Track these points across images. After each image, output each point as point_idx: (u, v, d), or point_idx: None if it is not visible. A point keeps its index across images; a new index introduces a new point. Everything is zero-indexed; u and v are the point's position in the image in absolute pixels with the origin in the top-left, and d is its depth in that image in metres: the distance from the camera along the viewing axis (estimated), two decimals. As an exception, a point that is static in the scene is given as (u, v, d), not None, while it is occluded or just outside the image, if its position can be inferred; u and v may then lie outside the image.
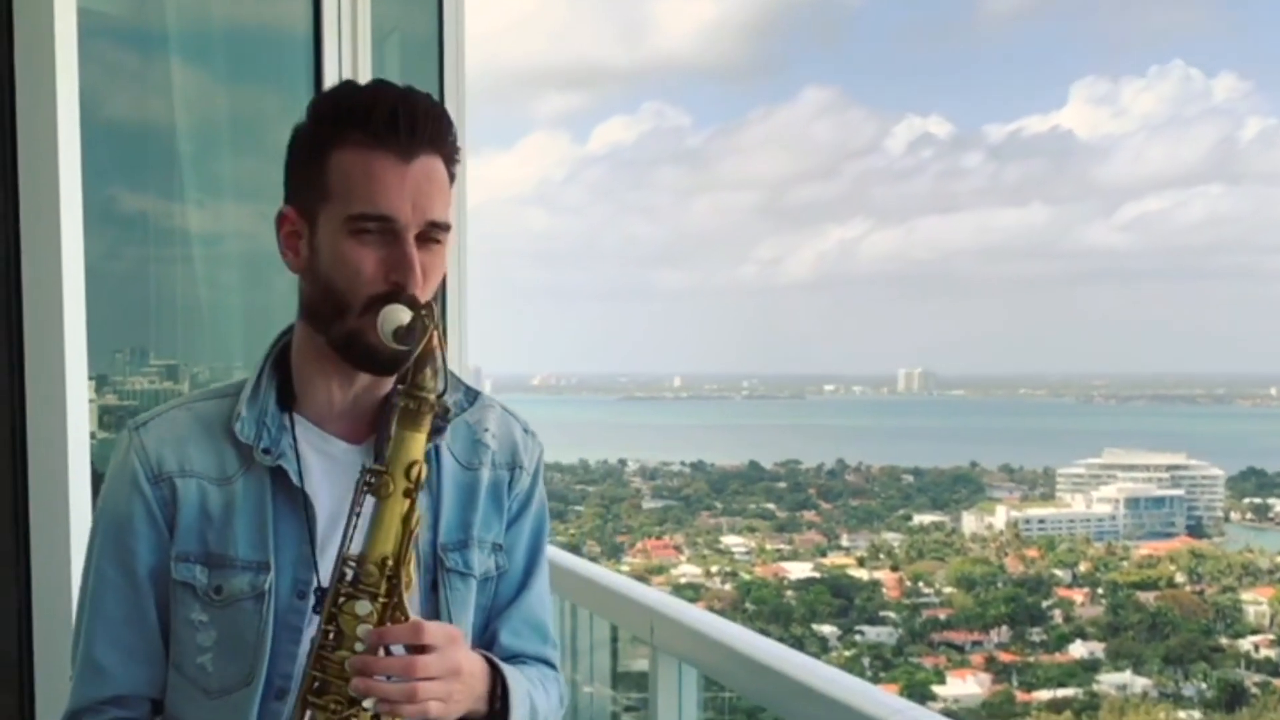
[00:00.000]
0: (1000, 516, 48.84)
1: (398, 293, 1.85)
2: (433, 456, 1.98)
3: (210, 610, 1.92)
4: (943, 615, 41.80)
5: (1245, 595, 41.57)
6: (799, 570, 44.21)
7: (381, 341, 1.84)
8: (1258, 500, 51.28)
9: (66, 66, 3.00)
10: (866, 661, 37.96)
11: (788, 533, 49.44)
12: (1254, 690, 36.79)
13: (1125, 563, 44.40)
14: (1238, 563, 43.58)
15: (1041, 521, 48.96)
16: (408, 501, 1.75)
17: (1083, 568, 44.42)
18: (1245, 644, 39.36)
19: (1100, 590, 42.66)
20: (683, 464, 56.24)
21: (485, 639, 2.05)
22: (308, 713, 1.78)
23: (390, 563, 1.74)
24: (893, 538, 48.39)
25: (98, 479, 3.20)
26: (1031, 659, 39.24)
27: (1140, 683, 37.46)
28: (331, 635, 1.77)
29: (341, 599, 1.76)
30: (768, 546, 47.48)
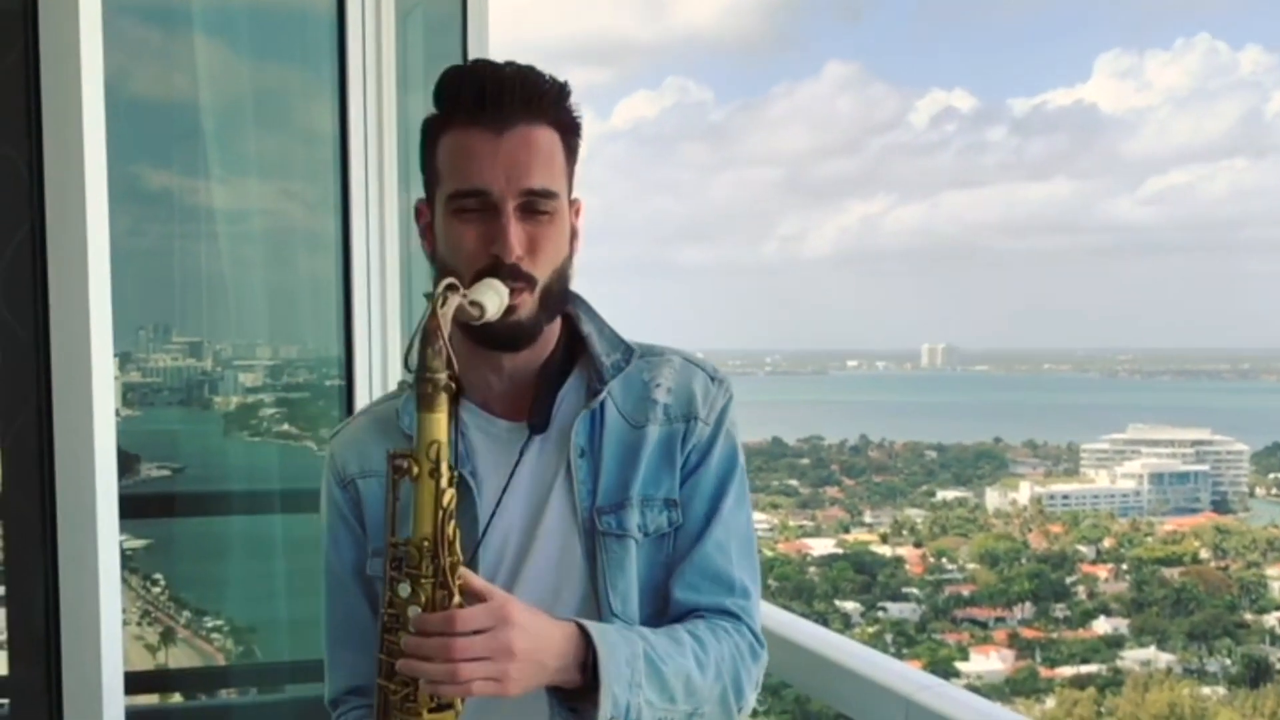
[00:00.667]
0: (1024, 492, 48.83)
1: (497, 265, 1.87)
2: (597, 417, 2.01)
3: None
4: (966, 591, 41.83)
5: (1270, 571, 41.52)
6: (822, 547, 44.27)
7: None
8: (1283, 475, 51.12)
9: (91, 43, 3.00)
10: (889, 638, 37.99)
11: (810, 509, 49.50)
12: (1278, 666, 36.74)
13: (1149, 538, 44.36)
14: (1262, 538, 43.51)
15: (1065, 497, 48.94)
16: (434, 482, 1.74)
17: (1107, 544, 44.39)
18: (1270, 620, 39.33)
19: (1124, 566, 42.63)
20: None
21: (660, 598, 2.01)
22: (382, 695, 1.81)
23: (428, 544, 1.74)
24: (916, 514, 48.39)
25: (123, 457, 3.21)
26: (1055, 635, 39.27)
27: (1164, 659, 37.46)
28: (394, 618, 1.78)
29: (393, 583, 1.77)
30: (790, 523, 47.53)
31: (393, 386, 3.69)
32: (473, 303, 1.78)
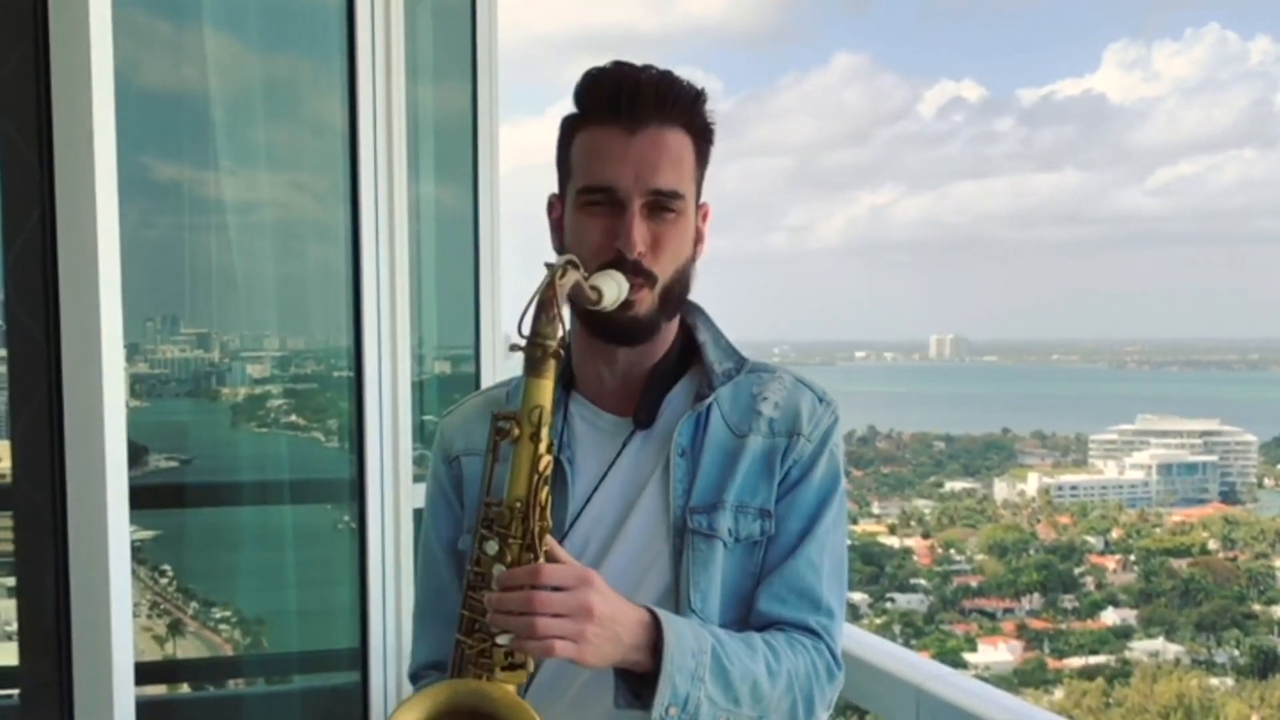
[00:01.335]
0: (1032, 483, 48.83)
1: (620, 260, 1.92)
2: (701, 420, 2.06)
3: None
4: (974, 582, 41.85)
5: (1278, 561, 41.45)
6: (830, 537, 44.20)
7: (608, 311, 1.90)
8: (1291, 466, 51.04)
9: (101, 35, 3.00)
10: (897, 629, 38.00)
11: (819, 500, 49.39)
12: (1287, 657, 36.70)
13: (1158, 529, 44.34)
14: (1271, 529, 43.48)
15: (1074, 488, 48.94)
16: (533, 445, 1.79)
17: (1115, 534, 44.38)
18: (1278, 610, 39.27)
19: (1132, 557, 42.63)
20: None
21: (744, 606, 2.03)
22: (459, 651, 1.84)
23: (520, 505, 1.78)
24: (924, 504, 48.42)
25: (131, 448, 3.22)
26: (1063, 626, 39.28)
27: (1173, 649, 37.46)
28: (479, 576, 1.82)
29: (481, 540, 1.82)
30: (798, 513, 47.45)
31: (402, 378, 3.69)
32: (592, 286, 1.85)
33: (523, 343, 1.82)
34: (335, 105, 3.82)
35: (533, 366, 1.79)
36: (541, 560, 1.78)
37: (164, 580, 4.54)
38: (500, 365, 3.99)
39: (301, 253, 4.34)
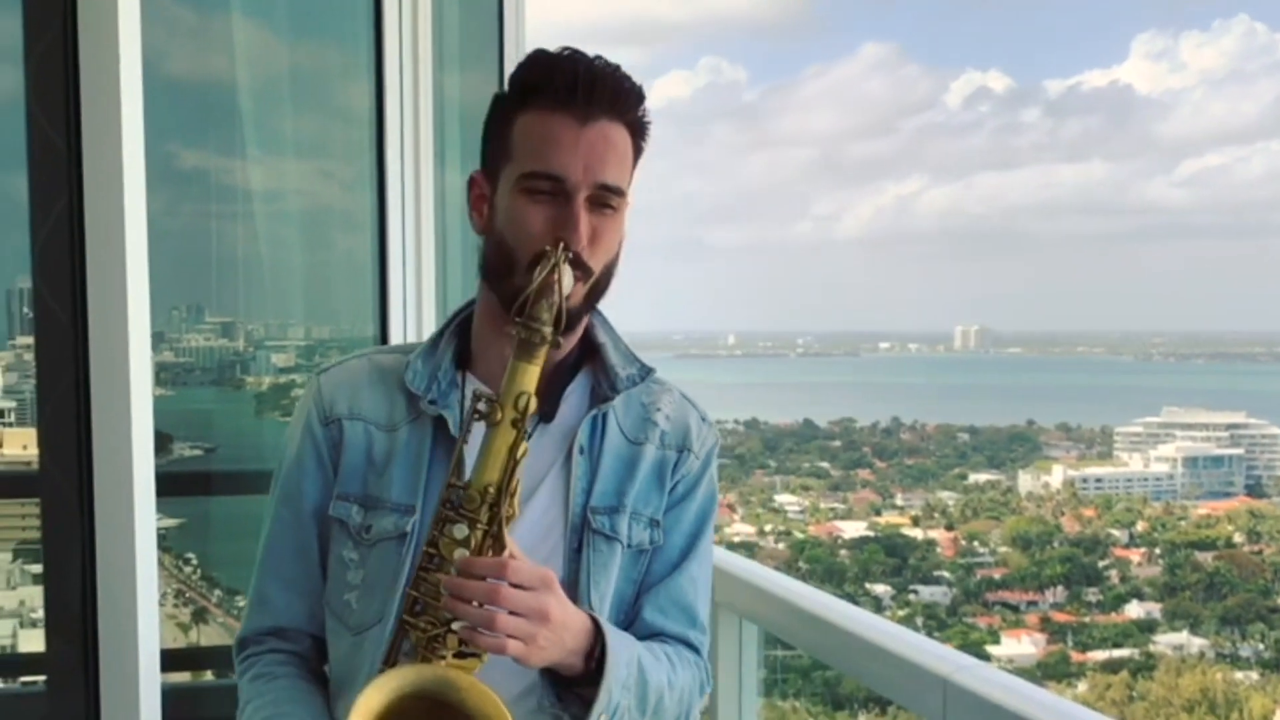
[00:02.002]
0: (1057, 475, 48.63)
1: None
2: (599, 423, 2.06)
3: (360, 549, 2.00)
4: (998, 575, 41.71)
5: (1304, 555, 41.26)
6: (853, 529, 44.18)
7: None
8: (1318, 460, 50.80)
9: (129, 23, 3.00)
10: (920, 621, 37.89)
11: (842, 491, 49.38)
12: (1312, 651, 36.56)
13: (1183, 522, 44.13)
14: (1297, 523, 43.23)
15: (1099, 481, 48.73)
16: (515, 432, 1.78)
17: (1140, 527, 44.20)
18: (1304, 605, 39.09)
19: (1157, 550, 42.43)
20: (736, 422, 56.11)
21: (630, 614, 2.06)
22: (404, 633, 1.82)
23: (492, 491, 1.77)
24: (948, 496, 48.25)
25: (156, 437, 3.22)
26: (1087, 619, 39.13)
27: (1197, 643, 37.30)
28: (432, 558, 1.80)
29: (443, 522, 1.79)
30: (821, 505, 47.45)
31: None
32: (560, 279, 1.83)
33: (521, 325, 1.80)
34: (362, 94, 3.82)
35: (524, 350, 1.78)
36: (509, 550, 1.77)
37: (189, 568, 4.55)
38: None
39: (327, 241, 4.34)
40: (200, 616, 4.54)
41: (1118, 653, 36.62)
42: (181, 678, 4.24)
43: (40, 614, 3.35)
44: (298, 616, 2.08)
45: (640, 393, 2.12)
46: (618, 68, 1.98)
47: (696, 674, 2.08)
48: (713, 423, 2.19)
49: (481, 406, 1.79)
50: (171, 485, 3.86)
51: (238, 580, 4.59)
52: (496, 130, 2.00)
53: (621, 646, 1.89)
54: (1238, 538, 42.69)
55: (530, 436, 1.98)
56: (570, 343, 2.06)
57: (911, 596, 40.60)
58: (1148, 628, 38.41)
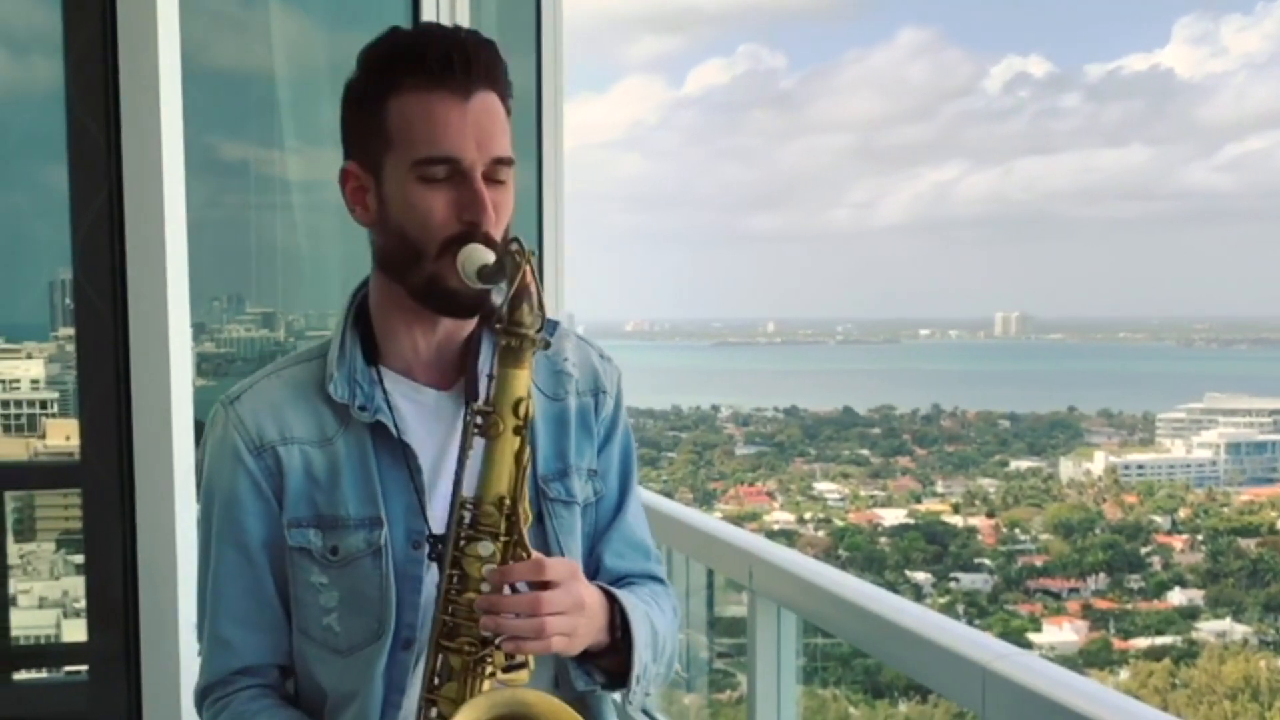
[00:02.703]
0: (1098, 462, 48.35)
1: (472, 232, 1.86)
2: None
3: (330, 571, 1.94)
4: (1039, 562, 41.52)
5: (1349, 542, 40.95)
6: (893, 517, 44.04)
7: (463, 284, 1.85)
8: (1362, 446, 50.37)
9: (168, 15, 3.02)
10: (961, 609, 37.77)
11: (882, 479, 49.21)
12: (1357, 638, 36.31)
13: (1226, 509, 43.83)
14: (1341, 509, 42.93)
15: (1141, 467, 48.44)
16: (518, 439, 1.77)
17: (1182, 514, 43.91)
18: (1348, 591, 38.82)
19: (1200, 537, 42.17)
20: (776, 410, 55.98)
21: (590, 565, 2.05)
22: (440, 657, 1.80)
23: (508, 501, 1.76)
24: (988, 484, 48.04)
25: (197, 427, 3.23)
26: (1129, 606, 38.93)
27: (1240, 630, 37.08)
28: (456, 579, 1.79)
29: (463, 542, 1.78)
30: (861, 493, 47.30)
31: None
32: (485, 265, 1.82)
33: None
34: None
35: (511, 356, 1.76)
36: (534, 557, 1.76)
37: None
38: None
39: (365, 232, 4.35)
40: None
41: (1160, 640, 36.42)
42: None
43: (82, 604, 3.37)
44: (261, 652, 2.02)
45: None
46: (478, 34, 1.95)
47: (669, 602, 2.09)
48: (609, 357, 2.15)
49: (479, 420, 1.78)
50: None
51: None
52: (363, 117, 1.92)
53: (637, 608, 1.91)
54: (1281, 524, 42.39)
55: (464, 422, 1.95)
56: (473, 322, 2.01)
57: (952, 584, 40.46)
58: (1190, 615, 38.19)
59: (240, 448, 1.98)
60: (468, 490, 1.80)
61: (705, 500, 45.33)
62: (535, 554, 1.77)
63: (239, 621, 2.01)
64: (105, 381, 3.10)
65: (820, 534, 42.79)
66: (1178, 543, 42.33)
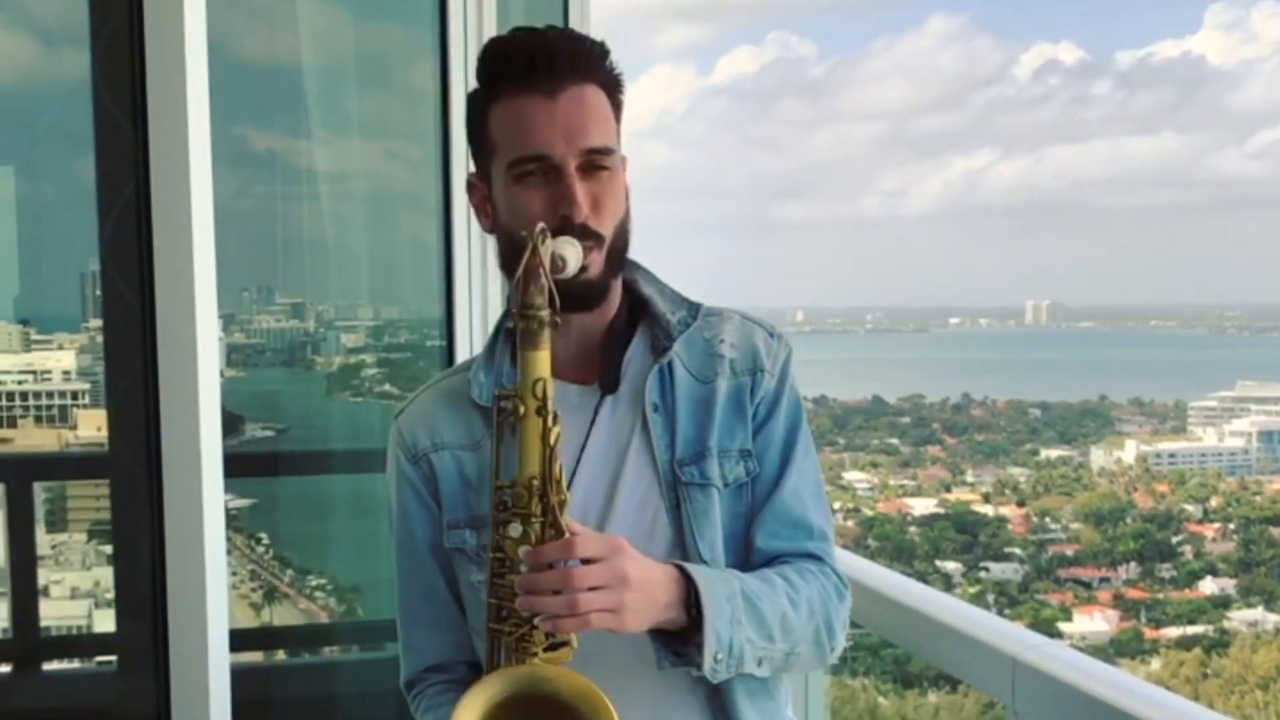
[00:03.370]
0: (1130, 451, 48.19)
1: (567, 227, 1.89)
2: (666, 375, 2.05)
3: (485, 570, 1.96)
4: (1070, 551, 41.42)
5: (1382, 531, 40.76)
6: (923, 506, 43.96)
7: (566, 279, 1.87)
8: (1396, 434, 50.09)
9: (195, 6, 3.02)
10: (991, 599, 37.71)
11: (911, 468, 49.14)
12: (1390, 627, 36.14)
13: (1258, 497, 43.66)
14: (1374, 498, 42.72)
15: (1172, 456, 48.26)
16: (541, 420, 1.78)
17: (1214, 503, 43.74)
18: (1382, 580, 38.64)
19: (1232, 526, 42.01)
20: (805, 399, 55.58)
21: (744, 545, 2.05)
22: (494, 641, 1.83)
23: (537, 482, 1.78)
24: (1019, 473, 47.92)
25: (227, 418, 3.24)
26: (1161, 595, 38.81)
27: (1272, 619, 36.93)
28: (501, 563, 1.82)
29: (502, 525, 1.81)
30: (891, 482, 47.23)
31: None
32: (558, 255, 1.83)
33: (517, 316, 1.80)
34: (428, 75, 3.82)
35: (528, 339, 1.78)
36: (567, 535, 1.77)
37: (260, 548, 4.59)
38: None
39: (394, 222, 4.36)
40: (272, 596, 4.57)
41: (1192, 629, 36.30)
42: (254, 657, 4.28)
43: (111, 594, 3.39)
44: (445, 650, 2.12)
45: (700, 330, 2.10)
46: (571, 31, 1.99)
47: (824, 582, 2.05)
48: (781, 334, 2.18)
49: (504, 405, 1.81)
50: (243, 466, 3.89)
51: (310, 560, 4.63)
52: (476, 130, 2.01)
53: (717, 583, 1.88)
54: (1314, 513, 42.19)
55: (598, 414, 2.03)
56: (611, 309, 2.06)
57: (982, 574, 40.38)
58: (1222, 604, 38.05)
59: (401, 459, 2.12)
60: (510, 474, 1.82)
61: (735, 489, 45.19)
62: (572, 530, 1.78)
63: (419, 625, 2.15)
64: (133, 373, 3.11)
65: (849, 523, 42.72)
66: (1209, 531, 42.17)
